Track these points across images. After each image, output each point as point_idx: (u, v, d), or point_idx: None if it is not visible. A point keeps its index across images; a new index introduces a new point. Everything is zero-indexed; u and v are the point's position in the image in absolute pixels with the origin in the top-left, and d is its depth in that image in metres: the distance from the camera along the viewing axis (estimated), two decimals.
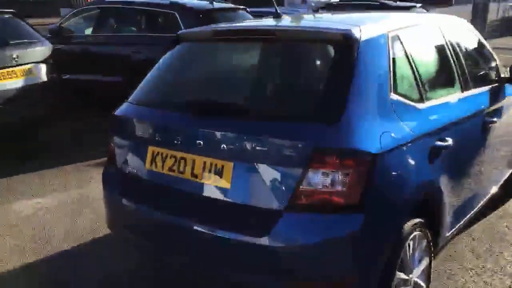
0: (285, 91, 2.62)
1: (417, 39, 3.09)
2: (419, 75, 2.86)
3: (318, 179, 2.23)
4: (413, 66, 2.84)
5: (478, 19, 13.10)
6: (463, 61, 3.42)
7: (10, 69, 5.47)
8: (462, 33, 3.78)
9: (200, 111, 2.56)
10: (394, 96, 2.58)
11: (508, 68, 4.09)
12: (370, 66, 2.52)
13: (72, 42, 7.95)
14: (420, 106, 2.80)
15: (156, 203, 2.66)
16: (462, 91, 3.33)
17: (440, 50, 3.28)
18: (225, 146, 2.41)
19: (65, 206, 4.49)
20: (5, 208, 4.43)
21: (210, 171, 2.46)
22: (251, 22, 3.56)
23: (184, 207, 2.57)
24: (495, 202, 4.53)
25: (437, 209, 2.86)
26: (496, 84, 3.92)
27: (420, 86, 2.84)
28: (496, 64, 4.07)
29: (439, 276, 3.38)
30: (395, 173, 2.40)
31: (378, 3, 11.24)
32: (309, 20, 3.39)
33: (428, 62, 3.16)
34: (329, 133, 2.26)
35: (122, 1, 7.85)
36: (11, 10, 6.13)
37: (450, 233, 3.14)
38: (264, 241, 2.26)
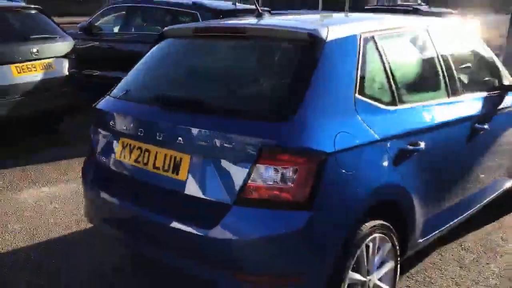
0: (246, 88, 2.66)
1: (397, 42, 3.08)
2: (394, 78, 2.85)
3: (266, 175, 2.27)
4: (388, 69, 2.82)
5: None
6: (453, 67, 3.36)
7: (30, 63, 5.71)
8: (459, 39, 3.72)
9: (164, 104, 2.64)
10: (359, 98, 2.58)
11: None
12: (333, 66, 2.54)
13: (101, 39, 8.21)
14: (392, 108, 2.78)
15: (123, 194, 2.75)
16: (449, 97, 3.28)
17: (424, 54, 3.25)
18: (183, 139, 2.48)
19: (77, 195, 4.61)
20: (16, 194, 4.63)
21: (169, 164, 2.53)
22: (231, 20, 3.63)
23: (146, 198, 2.65)
24: (495, 212, 4.44)
25: (405, 213, 2.83)
26: (496, 92, 3.83)
27: (394, 89, 2.82)
28: (499, 71, 3.97)
29: (416, 283, 3.34)
30: (349, 173, 2.40)
31: (411, 9, 11.14)
32: (284, 19, 3.41)
33: (406, 66, 3.13)
34: (279, 131, 2.30)
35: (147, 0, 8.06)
36: (37, 6, 6.40)
37: (424, 239, 3.10)
38: (213, 233, 2.32)
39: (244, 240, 2.29)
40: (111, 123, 2.86)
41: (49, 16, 6.44)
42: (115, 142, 2.83)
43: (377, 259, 2.72)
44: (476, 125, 3.43)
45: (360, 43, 2.71)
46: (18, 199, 4.51)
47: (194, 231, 2.37)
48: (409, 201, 2.81)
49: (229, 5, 7.74)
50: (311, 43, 2.54)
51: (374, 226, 2.59)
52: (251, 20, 3.07)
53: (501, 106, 3.83)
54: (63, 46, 6.24)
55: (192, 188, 2.45)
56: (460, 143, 3.31)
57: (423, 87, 3.20)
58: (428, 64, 3.25)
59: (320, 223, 2.30)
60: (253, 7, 8.61)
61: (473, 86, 3.66)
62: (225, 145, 2.34)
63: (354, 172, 2.43)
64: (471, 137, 3.40)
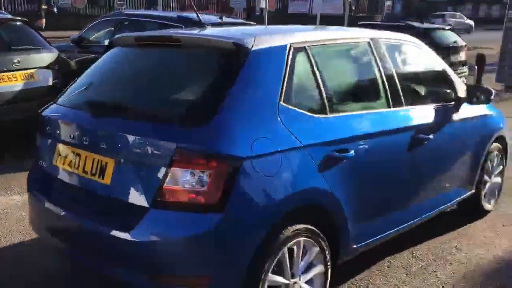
0: (171, 94, 2.77)
1: (331, 53, 3.17)
2: (325, 88, 2.93)
3: (181, 178, 2.36)
4: (319, 79, 2.91)
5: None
6: (396, 79, 3.42)
7: (11, 73, 5.88)
8: (410, 53, 3.80)
9: (94, 110, 2.76)
10: (284, 105, 2.67)
11: (465, 88, 4.07)
12: (257, 75, 2.64)
13: (90, 51, 8.39)
14: (321, 117, 2.87)
15: (59, 200, 2.84)
16: (390, 107, 3.35)
17: (362, 66, 3.33)
18: (108, 144, 2.59)
19: None
20: None
21: (96, 168, 2.64)
22: (170, 30, 3.75)
23: (77, 203, 2.75)
24: (453, 221, 4.48)
25: (335, 218, 2.90)
26: (447, 103, 3.90)
27: (325, 98, 2.90)
28: (453, 84, 4.03)
29: None
30: (267, 177, 2.48)
31: (403, 24, 11.26)
32: (220, 30, 3.50)
33: (340, 76, 3.22)
34: (194, 135, 2.40)
35: (136, 14, 8.24)
36: (23, 19, 6.60)
37: (360, 245, 3.15)
38: (131, 236, 2.41)
39: (158, 242, 2.38)
40: (51, 129, 2.98)
41: (33, 27, 6.63)
42: (53, 148, 2.94)
43: (303, 263, 2.78)
44: (420, 135, 3.48)
45: (289, 53, 2.80)
46: None
47: (114, 234, 2.46)
48: (338, 207, 2.87)
49: (215, 19, 7.89)
50: (236, 52, 2.65)
51: (297, 230, 2.66)
52: (188, 30, 3.18)
53: (452, 118, 3.89)
54: (47, 57, 6.41)
55: (116, 192, 2.55)
56: (401, 152, 3.36)
57: (358, 97, 3.28)
58: (365, 76, 3.34)
59: (231, 225, 2.38)
60: (240, 20, 8.78)
61: (421, 97, 3.75)
62: (144, 149, 2.44)
63: (273, 177, 2.51)
64: (414, 147, 3.45)
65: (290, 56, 2.81)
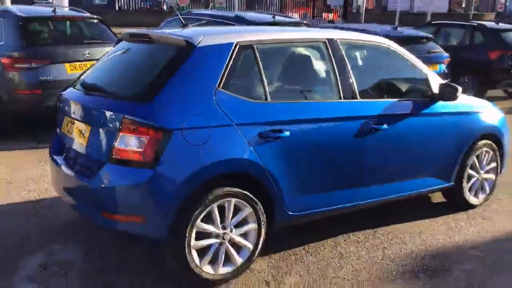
0: (135, 79, 3.55)
1: (281, 51, 3.79)
2: (268, 79, 3.55)
3: (125, 141, 3.15)
4: (262, 71, 3.53)
5: None
6: (350, 75, 3.93)
7: (82, 62, 7.05)
8: (372, 52, 4.28)
9: (83, 91, 3.64)
10: (222, 91, 3.35)
11: (438, 86, 4.43)
12: (199, 66, 3.34)
13: None
14: (260, 102, 3.50)
15: (64, 161, 3.73)
16: (341, 99, 3.87)
17: (313, 62, 3.89)
18: (87, 115, 3.44)
19: None
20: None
21: (80, 132, 3.51)
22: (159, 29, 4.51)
23: (73, 161, 3.64)
24: (433, 209, 4.83)
25: (267, 187, 3.50)
26: (412, 99, 4.32)
27: (266, 87, 3.52)
28: (424, 82, 4.41)
29: (273, 262, 3.93)
30: (195, 146, 3.18)
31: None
32: (189, 29, 4.11)
33: (286, 70, 3.81)
34: (138, 109, 3.17)
35: (201, 13, 9.19)
36: (98, 17, 7.79)
37: (297, 214, 3.68)
38: (92, 183, 3.25)
39: (108, 188, 3.19)
40: (62, 105, 3.90)
41: (106, 25, 7.79)
42: (62, 119, 3.85)
43: (235, 219, 3.44)
44: (371, 125, 3.94)
45: (234, 49, 3.47)
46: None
47: (86, 183, 3.31)
48: (271, 178, 3.47)
49: (268, 17, 8.61)
50: (186, 47, 3.39)
51: (227, 192, 3.32)
52: (166, 29, 3.95)
53: (419, 112, 4.28)
54: None
55: (89, 151, 3.41)
56: (346, 138, 3.84)
57: (303, 88, 3.84)
58: (314, 71, 3.88)
59: (160, 179, 3.12)
60: (292, 19, 9.39)
61: (383, 93, 4.20)
62: (106, 118, 3.26)
63: (201, 146, 3.20)
64: (364, 135, 3.91)
65: (235, 52, 3.47)
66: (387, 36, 9.28)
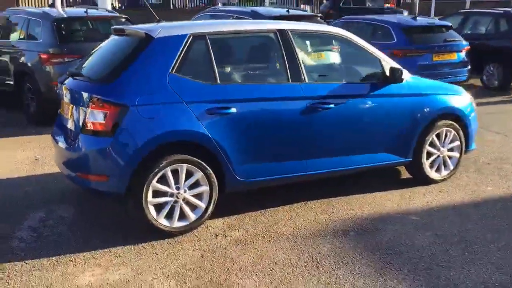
0: (107, 65, 4.31)
1: (232, 40, 4.45)
2: (218, 65, 4.24)
3: (92, 115, 3.94)
4: (213, 58, 4.21)
5: None
6: (299, 60, 4.51)
7: None
8: (325, 41, 4.86)
9: (72, 76, 4.45)
10: (175, 75, 4.07)
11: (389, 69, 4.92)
12: (155, 53, 4.09)
13: None
14: (209, 84, 4.18)
15: (61, 137, 4.54)
16: (289, 81, 4.47)
17: (262, 50, 4.52)
18: (71, 96, 4.26)
19: None
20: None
21: (68, 111, 4.32)
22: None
23: (64, 135, 4.46)
24: (391, 182, 5.31)
25: (216, 155, 4.17)
26: (363, 82, 4.87)
27: (216, 72, 4.20)
28: (376, 67, 4.92)
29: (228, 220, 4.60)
30: (148, 119, 3.92)
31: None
32: (160, 24, 4.75)
33: (237, 57, 4.48)
34: (101, 89, 3.97)
35: (224, 9, 9.94)
36: (125, 16, 8.72)
37: (247, 180, 4.33)
38: (72, 150, 4.08)
39: (81, 153, 4.01)
40: (60, 91, 4.75)
41: (131, 22, 8.69)
42: (60, 101, 4.71)
43: (188, 181, 4.14)
44: (318, 104, 4.51)
45: (188, 40, 4.17)
46: None
47: (68, 150, 4.14)
48: (218, 147, 4.14)
49: (282, 11, 9.22)
50: (146, 39, 4.14)
51: (178, 158, 4.03)
52: (140, 25, 4.71)
53: (369, 93, 4.80)
54: None
55: (72, 125, 4.22)
56: (292, 115, 4.44)
57: (252, 72, 4.48)
58: (263, 57, 4.52)
59: (119, 145, 3.89)
60: (306, 13, 9.92)
61: (334, 76, 4.78)
62: (82, 98, 4.07)
63: (153, 119, 3.93)
64: (310, 113, 4.49)
65: (189, 42, 4.17)
66: (404, 26, 9.71)
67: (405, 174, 5.61)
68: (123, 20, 8.70)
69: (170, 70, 4.07)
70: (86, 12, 8.49)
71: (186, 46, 4.17)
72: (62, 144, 4.37)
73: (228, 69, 4.37)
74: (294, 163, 4.58)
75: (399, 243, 4.08)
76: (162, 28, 4.21)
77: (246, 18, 8.96)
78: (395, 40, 9.66)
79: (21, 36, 8.64)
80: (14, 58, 8.53)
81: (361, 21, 11.02)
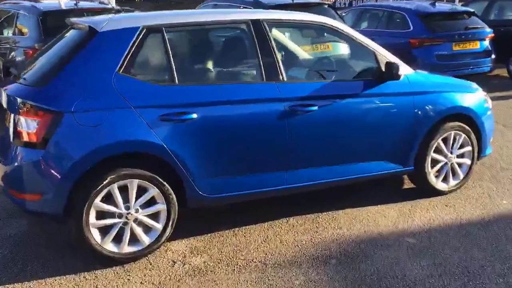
0: (44, 65, 3.71)
1: (196, 34, 3.82)
2: (177, 62, 3.61)
3: (23, 123, 3.36)
4: (171, 55, 3.58)
5: None
6: (276, 55, 3.84)
7: None
8: (306, 31, 4.17)
9: (15, 79, 3.85)
10: (122, 75, 3.46)
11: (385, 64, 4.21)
12: (99, 50, 3.48)
13: None
14: (166, 85, 3.57)
15: (1, 147, 3.91)
16: (264, 80, 3.82)
17: (232, 44, 3.88)
18: (8, 101, 3.68)
19: None
20: None
21: (8, 119, 3.74)
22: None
23: (3, 146, 3.85)
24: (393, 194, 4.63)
25: (175, 169, 3.56)
26: (356, 79, 4.19)
27: (174, 71, 3.57)
28: (372, 62, 4.22)
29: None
30: (89, 127, 3.31)
31: None
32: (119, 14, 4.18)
33: (200, 54, 3.83)
34: (32, 93, 3.39)
35: None
36: (117, 7, 8.17)
37: (212, 196, 3.72)
38: (6, 163, 3.51)
39: (13, 167, 3.44)
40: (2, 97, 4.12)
41: None
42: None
43: (140, 199, 3.54)
44: (298, 107, 3.84)
45: (140, 33, 3.55)
46: None
47: (3, 164, 3.57)
48: (176, 158, 3.52)
49: (285, 0, 8.51)
50: (89, 33, 3.54)
51: (127, 173, 3.44)
52: (93, 17, 4.10)
53: (362, 92, 4.10)
54: None
55: (8, 135, 3.64)
56: (266, 120, 3.77)
57: (219, 71, 3.84)
58: (233, 53, 3.87)
59: (52, 159, 3.30)
60: (313, 1, 9.18)
61: (319, 73, 4.09)
62: (14, 104, 3.49)
63: (95, 127, 3.33)
64: (289, 117, 3.82)
65: (141, 36, 3.55)
66: (421, 13, 8.90)
67: (408, 184, 4.91)
68: (114, 12, 8.13)
69: (117, 70, 3.47)
70: (75, 4, 7.98)
71: (137, 41, 3.55)
72: (0, 157, 3.83)
73: (189, 68, 3.73)
74: (271, 175, 3.93)
75: (388, 275, 3.41)
76: (110, 20, 3.61)
77: (249, 8, 8.29)
78: (411, 28, 8.91)
79: (12, 30, 8.26)
80: (3, 54, 8.15)
81: (374, 8, 10.26)
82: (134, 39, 3.54)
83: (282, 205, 4.40)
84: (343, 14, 10.52)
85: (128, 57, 3.50)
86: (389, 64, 4.12)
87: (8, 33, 8.46)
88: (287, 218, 4.24)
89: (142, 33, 3.57)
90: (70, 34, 3.92)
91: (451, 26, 9.02)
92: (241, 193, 3.89)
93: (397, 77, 4.12)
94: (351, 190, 4.63)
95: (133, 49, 3.52)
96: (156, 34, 3.62)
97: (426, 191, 4.67)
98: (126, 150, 3.46)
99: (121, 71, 3.47)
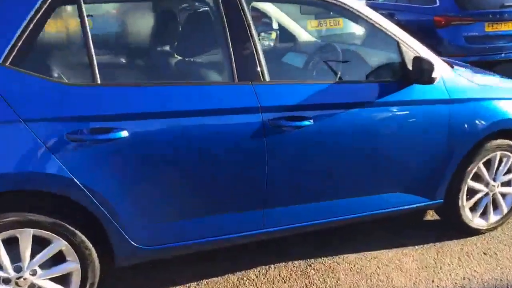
0: None
1: (132, 9, 2.54)
2: (100, 52, 2.38)
3: None
4: (90, 40, 2.33)
5: None
6: (256, 45, 2.59)
7: None
8: (300, 9, 2.87)
9: None
10: (9, 69, 2.23)
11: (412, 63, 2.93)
12: None
13: None
14: (79, 86, 2.35)
15: None
16: (235, 80, 2.58)
17: (190, 27, 2.64)
18: None
19: None
20: None
21: None
22: None
23: None
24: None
25: (93, 212, 2.40)
26: (354, 80, 2.97)
27: (95, 65, 2.34)
28: (388, 55, 2.99)
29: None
30: None
31: None
32: None
33: (138, 39, 2.57)
34: None
35: None
36: None
37: (147, 247, 2.55)
38: None
39: None
40: None
41: None
42: None
43: (38, 256, 2.38)
44: (282, 120, 2.61)
45: (42, 7, 2.29)
46: None
47: None
48: (94, 197, 2.35)
49: None
50: None
51: (14, 219, 2.26)
52: None
53: (376, 101, 2.86)
54: None
55: None
56: (236, 138, 2.57)
57: (165, 66, 2.58)
58: (189, 40, 2.62)
59: None
60: None
61: (312, 71, 2.86)
62: None
63: None
64: (271, 133, 2.61)
65: (43, 10, 2.30)
66: None
67: (431, 214, 3.71)
68: None
69: (0, 61, 2.24)
70: None
71: (36, 18, 2.30)
72: None
73: (118, 60, 2.46)
74: (241, 216, 2.74)
75: None
76: None
77: None
78: (438, 3, 7.57)
79: None
80: None
81: None
82: (31, 14, 2.29)
83: (261, 247, 3.22)
84: None
85: (21, 41, 2.26)
86: (418, 61, 2.85)
87: None
88: (266, 267, 3.07)
89: (45, 7, 2.31)
90: None
91: (484, 2, 7.69)
92: (197, 242, 2.70)
93: (430, 80, 2.85)
94: (355, 225, 3.43)
95: (29, 30, 2.28)
96: (67, 7, 2.38)
97: (456, 228, 3.48)
98: (8, 188, 2.26)
99: (7, 63, 2.24)
